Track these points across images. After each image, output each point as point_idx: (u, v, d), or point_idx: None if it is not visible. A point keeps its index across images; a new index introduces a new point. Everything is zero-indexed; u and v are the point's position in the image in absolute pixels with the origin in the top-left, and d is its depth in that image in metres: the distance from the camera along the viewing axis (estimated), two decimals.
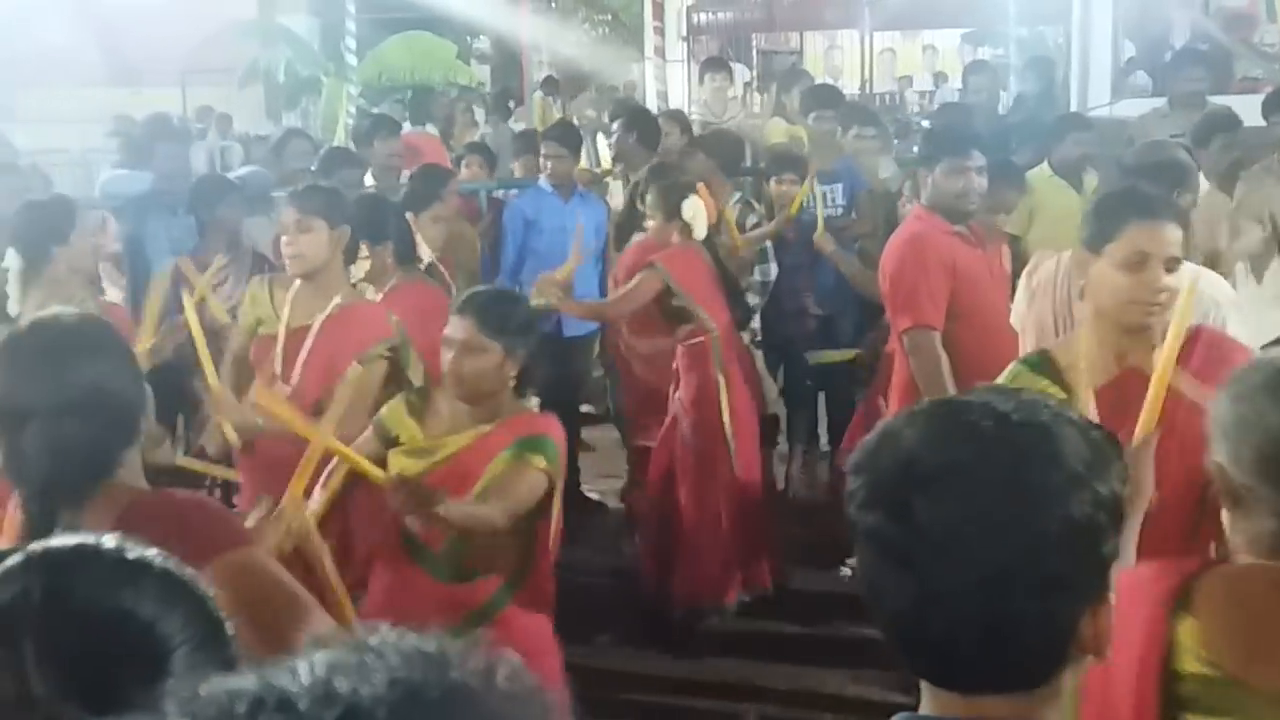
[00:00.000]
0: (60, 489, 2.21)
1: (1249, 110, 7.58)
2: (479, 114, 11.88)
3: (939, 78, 14.85)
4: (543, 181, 6.84)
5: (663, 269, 5.35)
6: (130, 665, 1.29)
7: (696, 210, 5.48)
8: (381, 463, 3.51)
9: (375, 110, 11.07)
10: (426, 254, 5.37)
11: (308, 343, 4.13)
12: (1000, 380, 2.91)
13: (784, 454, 7.11)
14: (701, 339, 5.41)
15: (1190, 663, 1.95)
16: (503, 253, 6.92)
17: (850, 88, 12.51)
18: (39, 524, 2.17)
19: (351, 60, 10.69)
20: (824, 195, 6.93)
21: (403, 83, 11.93)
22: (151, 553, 1.37)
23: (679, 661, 5.25)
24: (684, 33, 11.84)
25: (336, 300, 4.16)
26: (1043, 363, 2.91)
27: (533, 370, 3.61)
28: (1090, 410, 2.71)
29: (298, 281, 4.21)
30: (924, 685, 1.41)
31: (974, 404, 1.40)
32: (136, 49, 12.21)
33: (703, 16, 12.63)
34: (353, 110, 10.50)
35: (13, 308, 4.72)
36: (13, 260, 4.77)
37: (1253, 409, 2.00)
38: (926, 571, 1.33)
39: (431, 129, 10.53)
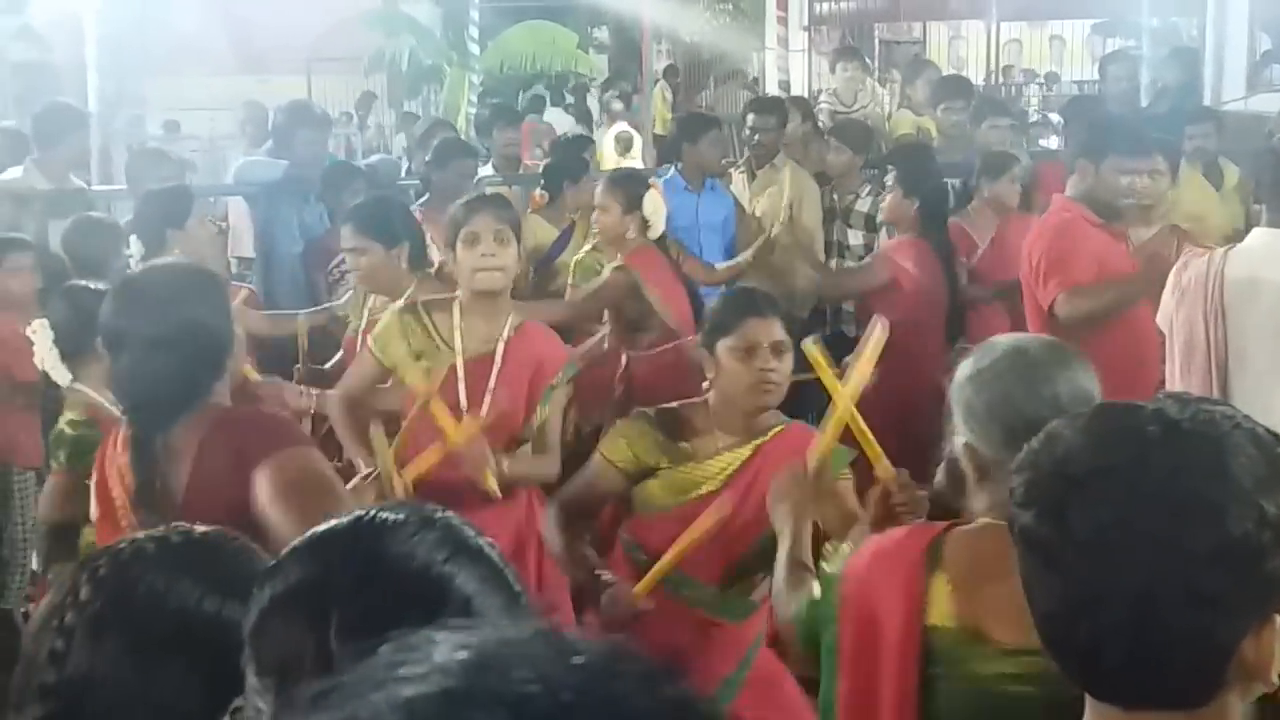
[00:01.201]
0: (154, 409, 2.57)
1: None
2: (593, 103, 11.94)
3: (1050, 77, 14.59)
4: (673, 174, 6.79)
5: (633, 271, 5.06)
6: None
7: (656, 206, 5.21)
8: (622, 497, 3.49)
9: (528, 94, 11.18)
10: (436, 256, 5.12)
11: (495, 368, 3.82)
12: None
13: None
14: (667, 346, 5.02)
15: (938, 616, 2.14)
16: None
17: (975, 79, 12.32)
18: (141, 437, 2.58)
19: (474, 49, 10.76)
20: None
21: (524, 72, 11.99)
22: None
23: None
24: (805, 22, 11.74)
25: (513, 320, 3.87)
26: None
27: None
28: None
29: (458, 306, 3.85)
30: (1087, 699, 1.38)
31: (1144, 408, 1.36)
32: (264, 37, 12.40)
33: (825, 6, 12.53)
34: (474, 99, 10.58)
35: None
36: (135, 246, 4.96)
37: (999, 390, 2.20)
38: (1074, 576, 1.31)
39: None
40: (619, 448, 3.46)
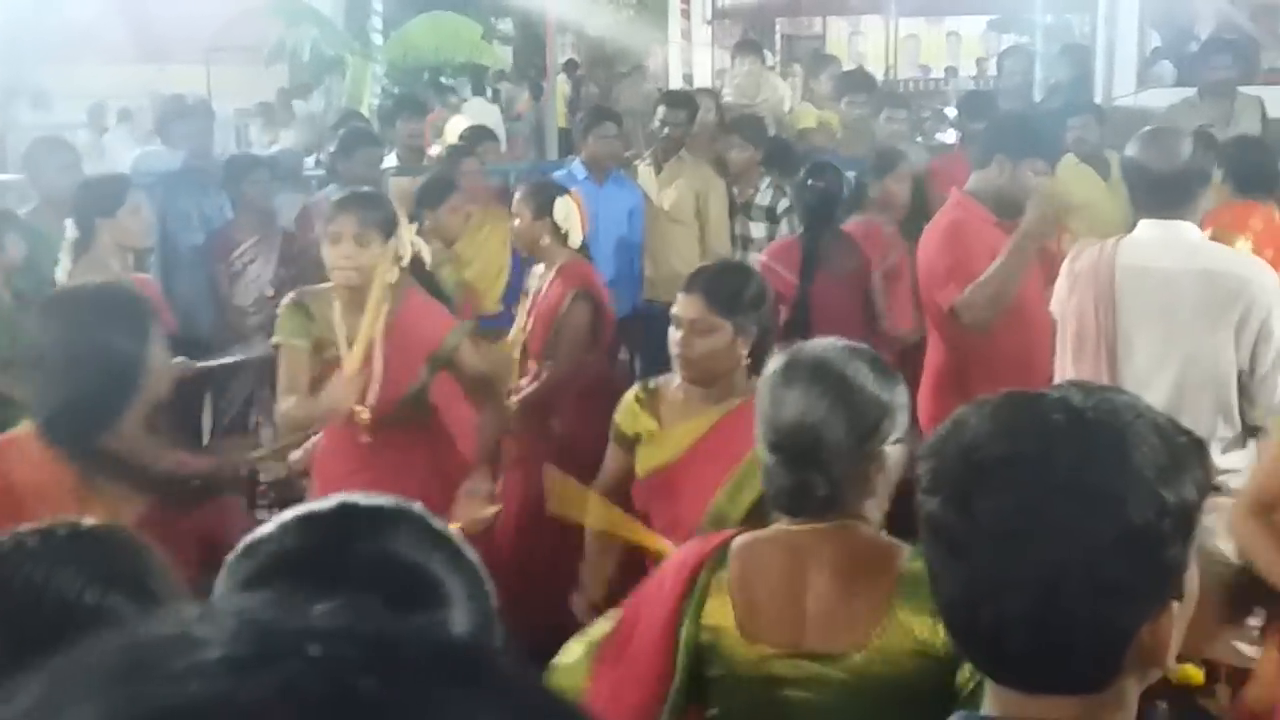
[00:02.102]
0: (66, 429, 2.62)
1: (1276, 101, 7.57)
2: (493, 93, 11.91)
3: (949, 71, 14.80)
4: (576, 165, 6.83)
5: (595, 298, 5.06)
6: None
7: (569, 213, 5.13)
8: (631, 473, 3.48)
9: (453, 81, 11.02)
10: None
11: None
12: None
13: None
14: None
15: (717, 617, 2.23)
16: None
17: (874, 74, 12.48)
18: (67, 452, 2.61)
19: (377, 40, 10.70)
20: (851, 181, 6.94)
21: (427, 63, 11.93)
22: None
23: None
24: (708, 16, 11.83)
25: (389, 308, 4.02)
26: None
27: (766, 347, 3.35)
28: None
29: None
30: (987, 684, 1.40)
31: (1049, 397, 1.38)
32: (163, 26, 12.21)
33: (728, 0, 12.62)
34: (378, 90, 10.52)
35: (61, 277, 4.86)
36: (70, 231, 4.99)
37: (761, 387, 2.31)
38: (979, 562, 1.32)
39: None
40: (614, 422, 3.55)
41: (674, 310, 3.37)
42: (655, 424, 3.45)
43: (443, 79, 12.45)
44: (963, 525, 1.32)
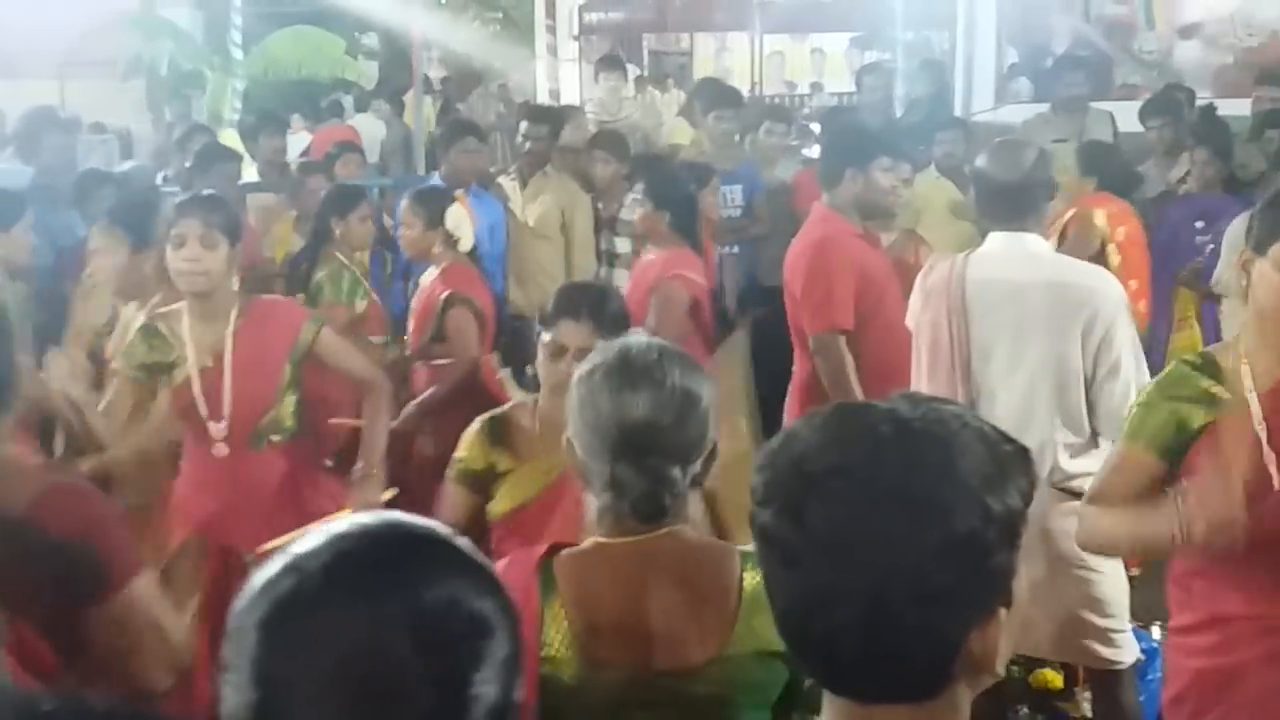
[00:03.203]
0: None
1: (1128, 116, 7.79)
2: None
3: (815, 87, 14.99)
4: (435, 179, 6.77)
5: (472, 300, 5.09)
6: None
7: (460, 220, 5.19)
8: (480, 514, 3.24)
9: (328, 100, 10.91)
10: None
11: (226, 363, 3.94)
12: (1161, 379, 2.90)
13: None
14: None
15: (556, 646, 2.13)
16: (396, 253, 6.83)
17: (740, 90, 12.58)
18: None
19: (237, 54, 10.53)
20: (723, 196, 6.99)
21: (289, 78, 11.75)
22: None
23: None
24: (575, 32, 11.82)
25: (237, 310, 3.96)
26: (1205, 364, 2.85)
27: None
28: (1254, 414, 2.74)
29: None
30: (825, 695, 1.41)
31: (878, 408, 1.39)
32: (12, 40, 11.86)
33: (594, 16, 12.62)
34: (238, 105, 10.35)
35: None
36: None
37: (588, 390, 2.22)
38: (811, 572, 1.33)
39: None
40: (457, 461, 3.32)
41: (557, 339, 3.20)
42: (510, 459, 3.26)
43: (321, 95, 12.26)
44: (794, 536, 1.33)
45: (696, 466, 2.22)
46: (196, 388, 3.93)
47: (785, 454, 1.38)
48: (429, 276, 5.18)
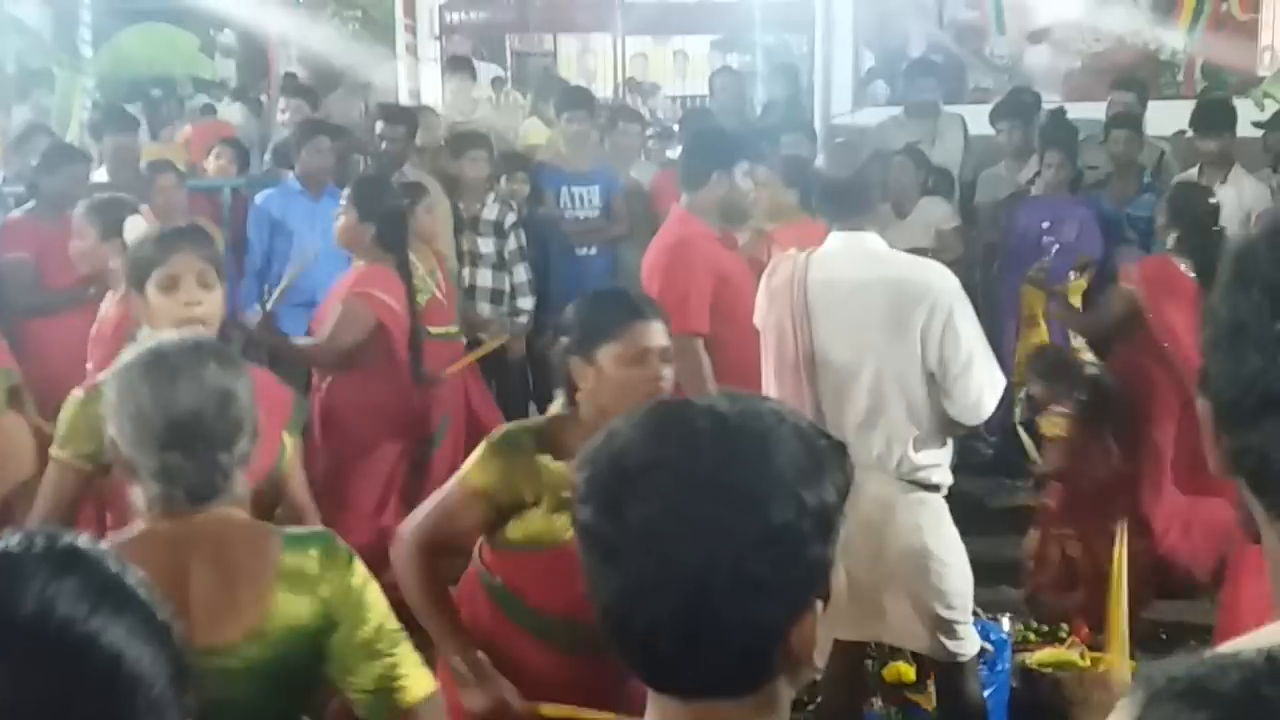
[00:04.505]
0: None
1: (978, 119, 7.96)
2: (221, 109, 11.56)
3: (649, 88, 15.07)
4: (291, 179, 6.67)
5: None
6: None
7: (138, 230, 4.67)
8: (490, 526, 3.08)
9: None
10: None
11: None
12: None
13: None
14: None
15: None
16: (247, 254, 6.73)
17: (603, 91, 12.58)
18: None
19: (87, 52, 10.25)
20: (580, 197, 6.99)
21: (141, 76, 11.48)
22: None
23: None
24: (436, 31, 11.73)
25: None
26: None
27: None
28: None
29: None
30: (649, 693, 1.42)
31: (697, 405, 1.41)
32: None
33: (455, 16, 12.53)
34: (88, 104, 10.08)
35: None
36: None
37: (127, 386, 2.37)
38: (630, 567, 1.34)
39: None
40: (489, 473, 3.07)
41: (636, 344, 3.08)
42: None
43: (181, 91, 11.98)
44: (614, 531, 1.35)
45: (242, 448, 2.40)
46: None
47: (605, 451, 1.39)
48: (106, 301, 4.52)
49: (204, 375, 2.35)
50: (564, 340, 3.18)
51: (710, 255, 4.73)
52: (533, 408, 7.29)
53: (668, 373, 3.11)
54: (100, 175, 6.95)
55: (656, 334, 3.13)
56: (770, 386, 4.05)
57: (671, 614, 1.32)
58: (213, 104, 11.71)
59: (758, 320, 4.22)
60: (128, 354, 2.43)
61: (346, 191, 5.24)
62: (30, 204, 6.15)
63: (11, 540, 1.19)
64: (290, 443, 3.46)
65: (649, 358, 3.09)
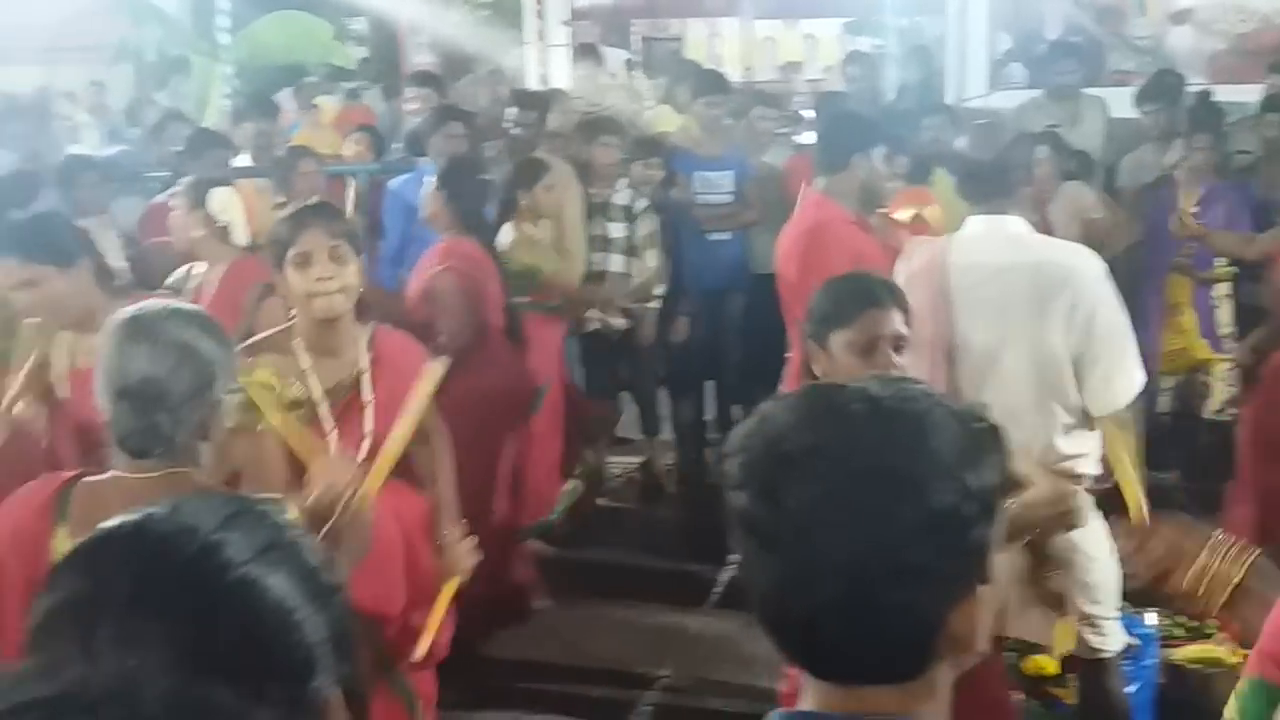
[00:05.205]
0: None
1: (1120, 102, 7.76)
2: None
3: (788, 69, 14.94)
4: (425, 165, 6.72)
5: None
6: None
7: (228, 206, 4.81)
8: None
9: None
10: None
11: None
12: None
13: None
14: None
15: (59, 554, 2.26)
16: (382, 239, 6.80)
17: (732, 76, 12.51)
18: None
19: (224, 40, 10.47)
20: (712, 182, 6.97)
21: (277, 63, 11.69)
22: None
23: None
24: (566, 17, 11.77)
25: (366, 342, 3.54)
26: None
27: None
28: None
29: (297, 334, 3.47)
30: (804, 677, 1.40)
31: (850, 388, 1.39)
32: None
33: (585, 2, 12.57)
34: (228, 90, 10.29)
35: None
36: None
37: (104, 341, 2.52)
38: (789, 553, 1.32)
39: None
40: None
41: (867, 331, 3.11)
42: None
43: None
44: (771, 518, 1.33)
45: (197, 413, 2.47)
46: (332, 433, 3.41)
47: (759, 436, 1.38)
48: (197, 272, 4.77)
49: (163, 338, 2.47)
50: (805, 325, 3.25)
51: (847, 239, 4.68)
52: (661, 393, 7.31)
53: (901, 362, 3.09)
54: (241, 160, 7.07)
55: (890, 322, 3.13)
56: (907, 372, 3.98)
57: (830, 601, 1.31)
58: (357, 90, 11.87)
59: None
60: (121, 312, 2.59)
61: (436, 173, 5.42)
62: (174, 188, 6.29)
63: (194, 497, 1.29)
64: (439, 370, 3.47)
65: (880, 345, 3.11)
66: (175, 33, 11.81)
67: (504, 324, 5.37)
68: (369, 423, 3.44)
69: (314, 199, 3.97)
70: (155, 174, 6.95)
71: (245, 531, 1.22)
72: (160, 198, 6.36)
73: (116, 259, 5.90)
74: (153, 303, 2.64)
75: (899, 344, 3.11)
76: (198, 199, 4.79)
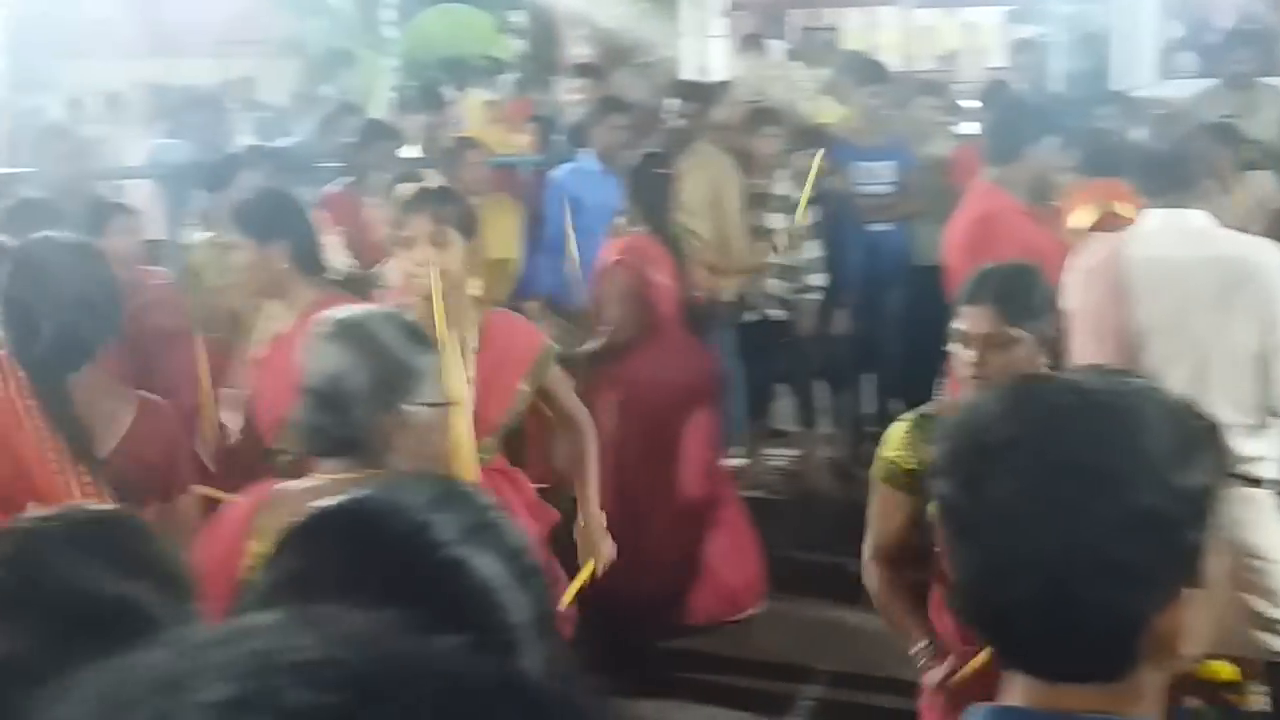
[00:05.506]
0: (43, 366, 2.92)
1: None
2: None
3: (946, 58, 14.70)
4: (587, 157, 6.77)
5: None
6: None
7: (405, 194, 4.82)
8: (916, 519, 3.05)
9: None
10: (341, 261, 5.06)
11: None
12: None
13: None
14: None
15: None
16: (544, 229, 6.87)
17: (891, 66, 12.38)
18: (40, 389, 2.91)
19: (390, 33, 10.66)
20: (874, 172, 6.90)
21: (439, 56, 11.88)
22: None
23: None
24: (724, 8, 11.77)
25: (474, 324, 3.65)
26: None
27: (1060, 354, 3.09)
28: None
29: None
30: (1007, 673, 1.37)
31: (1060, 380, 1.38)
32: (173, 20, 12.19)
33: None
34: (392, 83, 10.48)
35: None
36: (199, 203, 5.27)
37: (310, 345, 2.58)
38: (988, 544, 1.31)
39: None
40: (882, 461, 3.15)
41: (960, 326, 3.04)
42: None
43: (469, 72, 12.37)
44: (972, 508, 1.32)
45: (380, 421, 2.46)
46: None
47: (966, 425, 1.37)
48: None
49: (353, 340, 2.50)
50: None
51: (1018, 230, 4.61)
52: (817, 386, 7.27)
53: (994, 360, 2.97)
54: (408, 151, 7.20)
55: (977, 319, 3.02)
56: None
57: (1029, 595, 1.29)
58: (522, 81, 12.00)
59: (1069, 301, 4.07)
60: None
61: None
62: (346, 179, 6.44)
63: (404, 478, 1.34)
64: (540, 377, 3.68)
65: (969, 343, 3.02)
66: (342, 26, 12.07)
67: (681, 316, 5.39)
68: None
69: (434, 184, 4.09)
70: (327, 164, 7.10)
71: (453, 512, 1.25)
72: (331, 187, 6.51)
73: None
74: (359, 306, 2.69)
75: (987, 343, 2.97)
76: (385, 192, 5.00)
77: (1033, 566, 1.28)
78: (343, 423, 2.46)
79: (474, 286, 3.72)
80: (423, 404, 2.51)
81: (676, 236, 5.43)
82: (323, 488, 2.43)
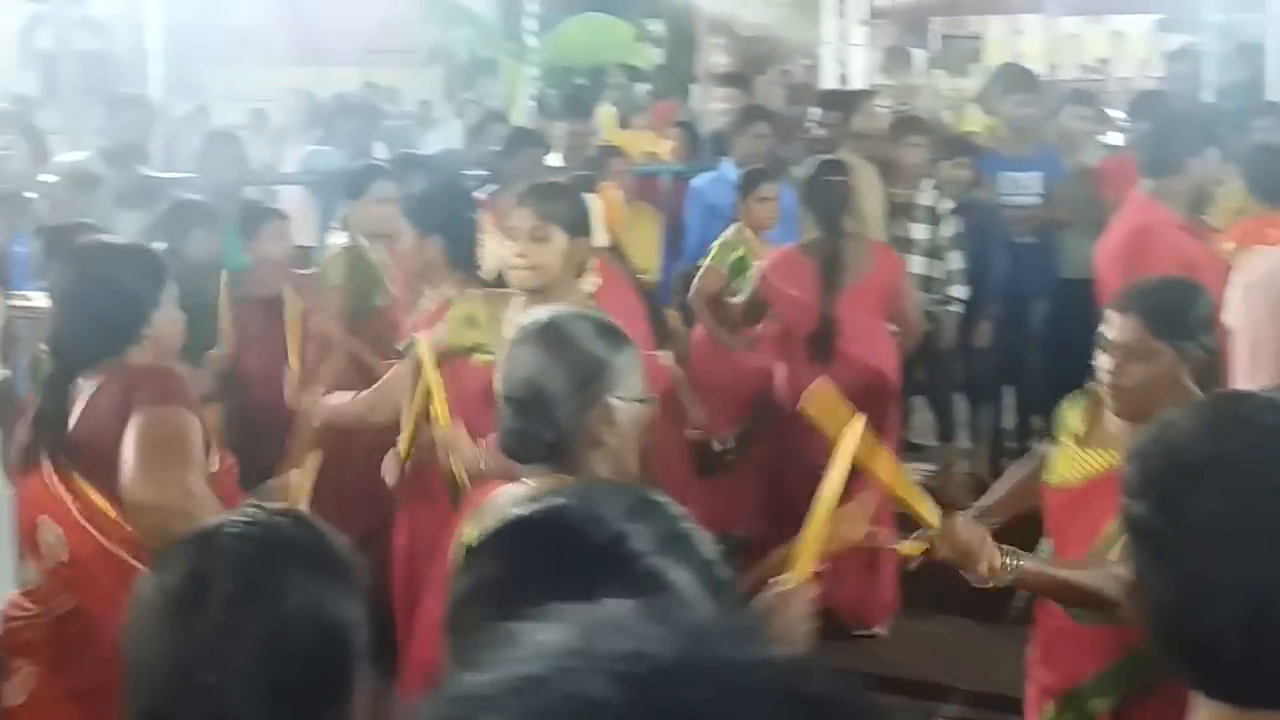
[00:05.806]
0: (70, 358, 2.97)
1: None
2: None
3: (1100, 66, 14.41)
4: (726, 166, 6.78)
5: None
6: None
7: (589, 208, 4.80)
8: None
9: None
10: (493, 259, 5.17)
11: None
12: None
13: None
14: None
15: None
16: (685, 237, 6.89)
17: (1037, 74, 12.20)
18: (57, 381, 2.95)
19: (532, 42, 10.77)
20: (1020, 183, 6.80)
21: (580, 65, 11.98)
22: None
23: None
24: (865, 17, 11.69)
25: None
26: None
27: (1214, 375, 3.06)
28: None
29: (521, 299, 3.65)
30: (1194, 697, 1.33)
31: (1259, 397, 1.35)
32: (321, 29, 12.44)
33: (886, 0, 12.44)
34: (534, 92, 10.59)
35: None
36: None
37: (506, 350, 2.56)
38: (1189, 565, 1.27)
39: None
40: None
41: (1104, 331, 3.05)
42: (1081, 432, 3.16)
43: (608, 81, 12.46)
44: (1171, 529, 1.29)
45: (587, 416, 2.40)
46: None
47: (1160, 444, 1.33)
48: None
49: (547, 340, 2.48)
50: None
51: (1175, 244, 4.49)
52: (957, 399, 7.19)
53: (1132, 371, 2.95)
54: (553, 160, 7.27)
55: (1121, 327, 3.00)
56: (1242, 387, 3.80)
57: (1232, 620, 1.25)
58: (661, 90, 12.05)
59: (1229, 318, 3.97)
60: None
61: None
62: (491, 186, 6.53)
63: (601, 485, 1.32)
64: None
65: (1110, 351, 3.00)
66: (485, 35, 12.22)
67: (816, 329, 5.35)
68: None
69: (549, 179, 4.12)
70: (477, 172, 7.21)
71: (649, 522, 1.28)
72: (478, 194, 6.61)
73: None
74: (548, 308, 2.64)
75: (1121, 353, 2.97)
76: None
77: (1238, 590, 1.25)
78: (547, 425, 2.40)
79: (588, 283, 3.76)
80: (626, 399, 2.44)
81: (842, 245, 5.37)
82: (526, 494, 2.47)
